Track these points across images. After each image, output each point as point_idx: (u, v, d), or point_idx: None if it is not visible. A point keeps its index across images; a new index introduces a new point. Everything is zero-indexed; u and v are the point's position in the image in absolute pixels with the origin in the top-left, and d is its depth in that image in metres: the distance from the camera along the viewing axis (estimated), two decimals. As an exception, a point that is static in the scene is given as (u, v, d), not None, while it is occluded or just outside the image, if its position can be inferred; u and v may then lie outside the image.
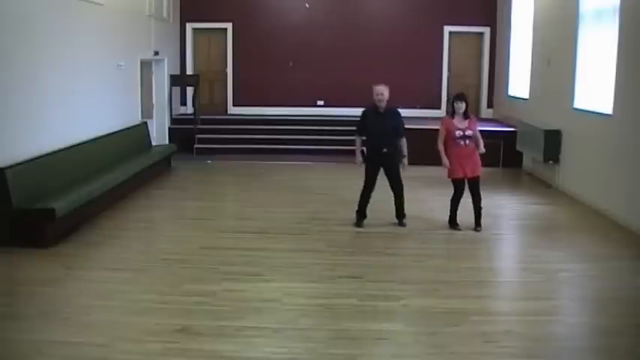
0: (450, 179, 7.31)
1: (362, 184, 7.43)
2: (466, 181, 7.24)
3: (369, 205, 7.43)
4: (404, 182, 7.43)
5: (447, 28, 14.10)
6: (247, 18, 14.14)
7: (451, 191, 7.34)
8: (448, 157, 7.18)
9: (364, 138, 7.49)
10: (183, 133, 12.88)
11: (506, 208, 8.77)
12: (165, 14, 12.74)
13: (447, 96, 14.21)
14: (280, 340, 4.51)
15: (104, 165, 8.64)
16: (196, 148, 12.80)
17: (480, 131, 11.59)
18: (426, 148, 11.56)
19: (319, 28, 14.10)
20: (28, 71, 7.15)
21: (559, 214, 8.48)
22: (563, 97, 9.59)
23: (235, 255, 6.40)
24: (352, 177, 9.44)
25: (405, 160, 7.40)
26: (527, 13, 11.66)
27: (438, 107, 14.18)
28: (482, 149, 7.16)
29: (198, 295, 5.27)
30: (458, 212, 7.34)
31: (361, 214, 7.46)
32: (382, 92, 7.25)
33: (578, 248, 6.83)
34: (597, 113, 8.46)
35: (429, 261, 6.31)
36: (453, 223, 7.36)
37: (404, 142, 7.41)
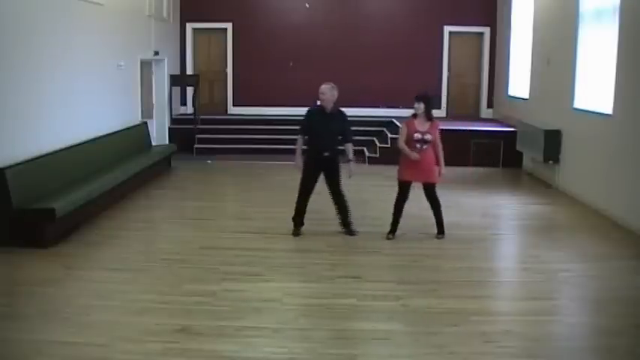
0: (397, 179, 6.97)
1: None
2: (420, 187, 6.94)
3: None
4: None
5: (447, 28, 14.10)
6: (247, 18, 14.14)
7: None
8: (402, 158, 6.88)
9: (306, 138, 7.06)
10: (183, 133, 12.88)
11: (506, 208, 8.78)
12: (165, 14, 12.74)
13: (447, 96, 14.25)
14: (280, 340, 4.51)
15: (104, 165, 8.64)
16: (196, 148, 12.81)
17: (480, 131, 11.55)
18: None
19: (319, 29, 14.10)
20: (28, 71, 7.15)
21: (559, 214, 8.48)
22: (563, 97, 9.59)
23: (235, 255, 6.40)
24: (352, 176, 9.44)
25: (352, 165, 7.02)
26: (527, 13, 11.66)
27: (438, 107, 14.17)
28: (443, 172, 6.83)
29: (198, 295, 5.27)
30: (401, 219, 7.03)
31: (298, 221, 7.03)
32: (324, 92, 6.84)
33: (578, 248, 6.83)
34: (597, 113, 8.46)
35: (427, 261, 6.31)
36: (392, 229, 7.01)
37: (350, 146, 7.05)
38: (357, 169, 7.27)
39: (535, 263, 6.29)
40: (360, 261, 6.28)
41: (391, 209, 6.96)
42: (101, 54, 9.33)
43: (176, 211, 8.64)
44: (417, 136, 6.76)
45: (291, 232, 7.07)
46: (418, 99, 6.83)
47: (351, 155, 7.09)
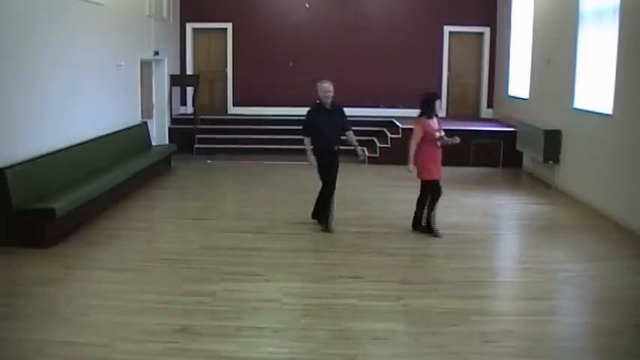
0: (424, 179, 7.12)
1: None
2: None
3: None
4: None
5: (447, 28, 14.10)
6: (247, 18, 14.14)
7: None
8: (426, 159, 7.01)
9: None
10: (183, 133, 12.88)
11: (506, 208, 8.77)
12: (165, 14, 12.74)
13: (447, 96, 14.23)
14: (280, 340, 4.51)
15: (104, 165, 8.64)
16: (196, 148, 12.81)
17: (481, 131, 11.65)
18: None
19: (319, 29, 14.10)
20: (29, 71, 7.15)
21: (559, 214, 8.48)
22: (563, 97, 9.59)
23: (235, 255, 6.41)
24: (352, 176, 9.46)
25: (359, 149, 7.47)
26: (527, 13, 11.66)
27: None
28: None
29: (198, 295, 5.27)
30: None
31: (325, 216, 7.26)
32: (329, 89, 7.23)
33: (578, 248, 6.83)
34: (597, 113, 8.46)
35: (428, 261, 6.32)
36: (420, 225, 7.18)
37: (352, 134, 7.43)
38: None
39: (535, 263, 6.29)
40: (360, 261, 6.27)
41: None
42: (101, 54, 9.33)
43: (176, 211, 8.63)
44: (437, 134, 7.02)
45: (321, 229, 7.23)
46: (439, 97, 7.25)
47: (354, 140, 7.40)
